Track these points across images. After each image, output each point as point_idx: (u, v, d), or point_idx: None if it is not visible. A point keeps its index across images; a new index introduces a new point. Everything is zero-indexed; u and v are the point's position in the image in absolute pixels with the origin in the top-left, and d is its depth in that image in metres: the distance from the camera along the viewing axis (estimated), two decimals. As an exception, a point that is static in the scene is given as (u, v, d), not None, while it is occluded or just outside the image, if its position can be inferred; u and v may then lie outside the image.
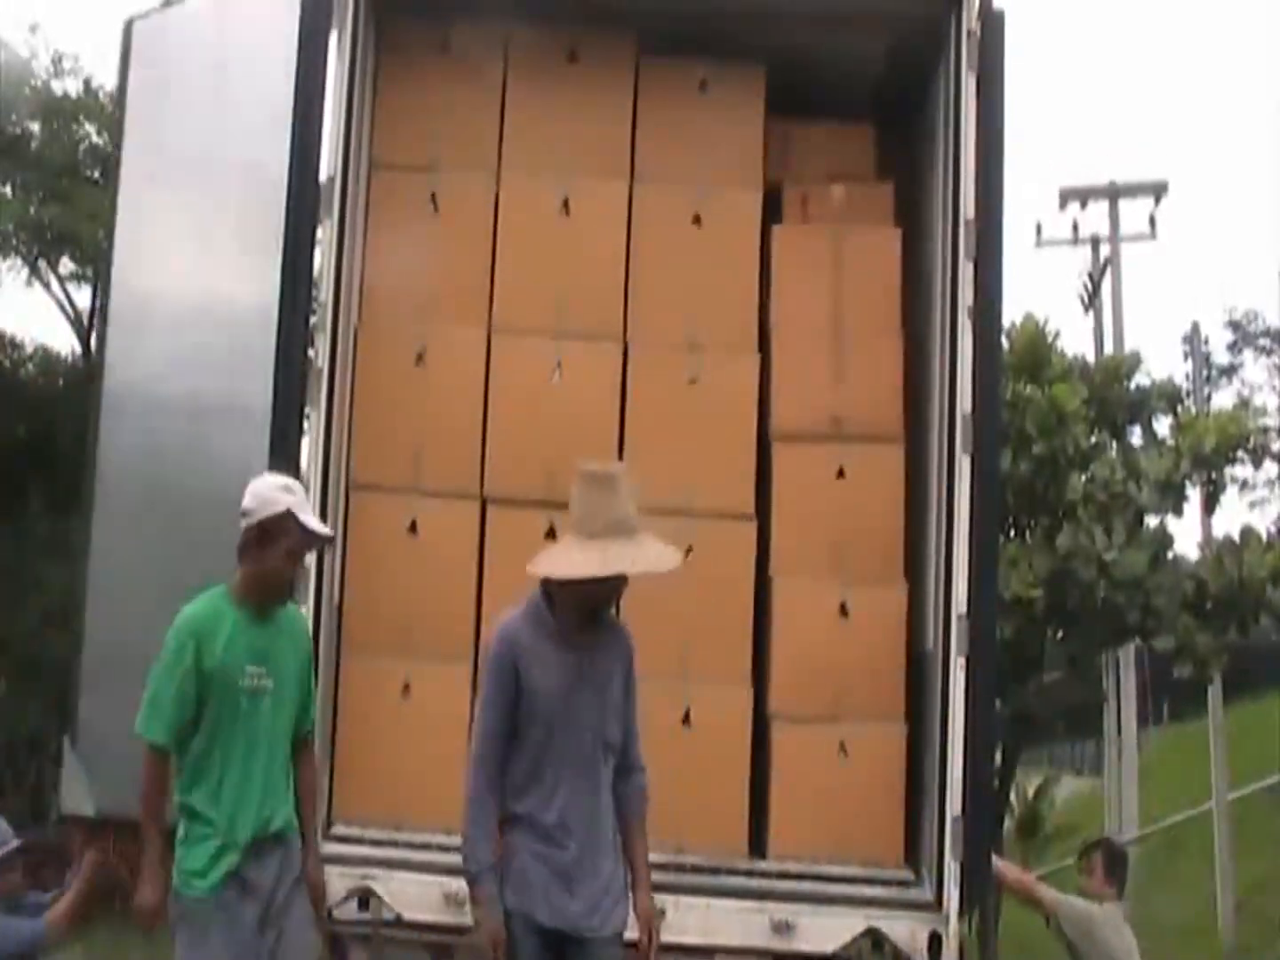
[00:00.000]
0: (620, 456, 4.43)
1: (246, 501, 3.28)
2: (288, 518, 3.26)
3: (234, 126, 4.23)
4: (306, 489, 4.00)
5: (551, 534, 4.36)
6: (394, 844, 4.12)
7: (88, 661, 4.27)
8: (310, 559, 3.98)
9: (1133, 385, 9.15)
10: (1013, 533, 8.45)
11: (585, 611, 3.19)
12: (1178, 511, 8.60)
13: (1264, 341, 37.55)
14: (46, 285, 12.90)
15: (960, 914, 3.91)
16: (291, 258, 4.03)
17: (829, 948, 3.92)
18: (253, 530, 3.26)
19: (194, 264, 4.30)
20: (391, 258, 4.51)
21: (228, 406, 4.15)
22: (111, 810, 4.00)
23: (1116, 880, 4.79)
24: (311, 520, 3.34)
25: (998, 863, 4.96)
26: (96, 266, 9.67)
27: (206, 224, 4.28)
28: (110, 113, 5.12)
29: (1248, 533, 8.74)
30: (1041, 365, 8.52)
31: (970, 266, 4.10)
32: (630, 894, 3.17)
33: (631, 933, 3.18)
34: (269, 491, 3.29)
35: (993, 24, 4.17)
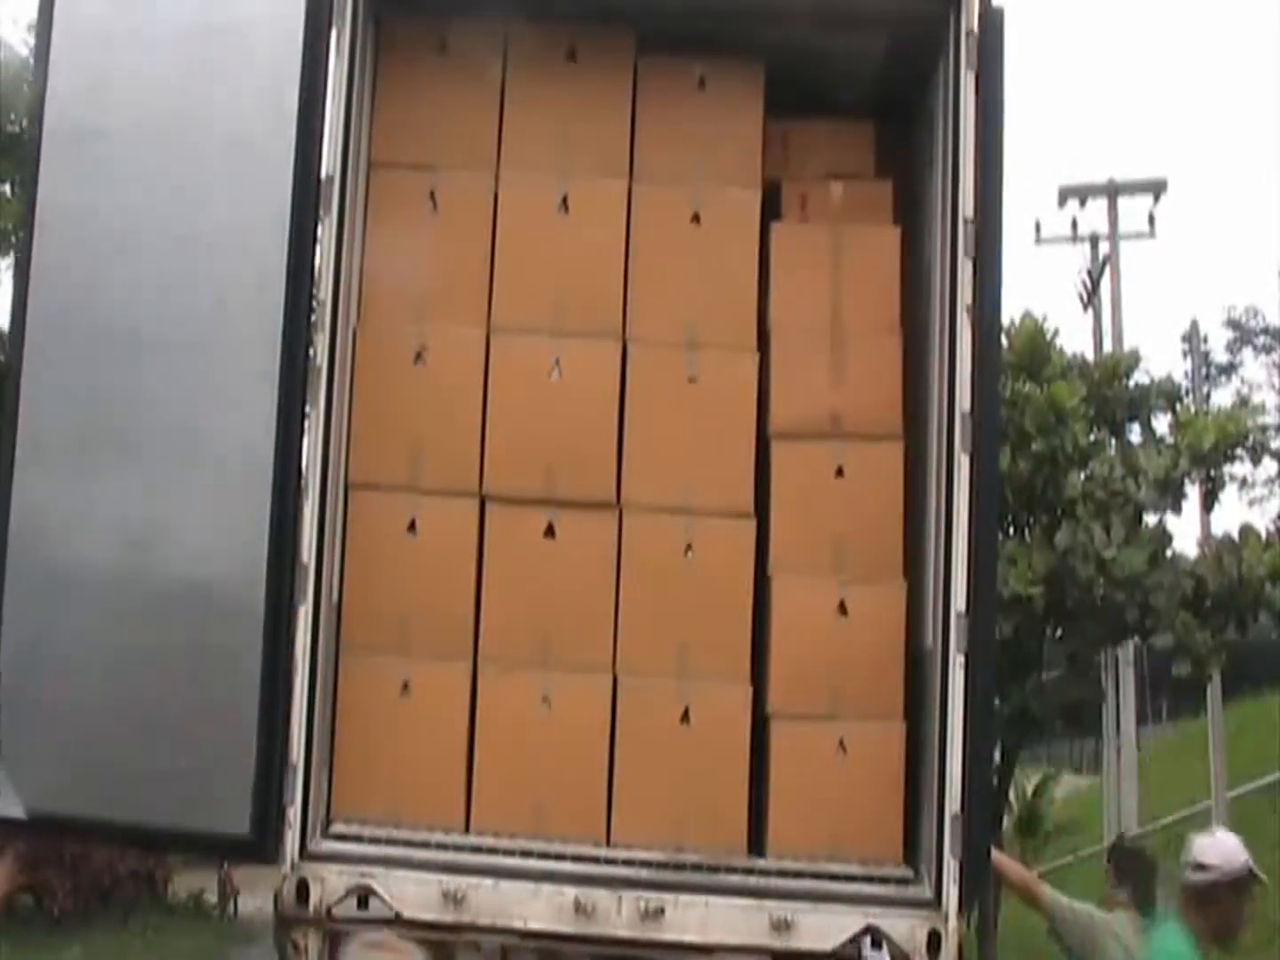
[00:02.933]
0: (619, 455, 4.44)
1: (1214, 859, 3.68)
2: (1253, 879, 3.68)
3: (218, 92, 4.06)
4: (305, 488, 4.02)
5: (550, 532, 4.38)
6: (392, 842, 4.13)
7: (8, 644, 3.92)
8: (309, 558, 3.99)
9: (1132, 383, 9.18)
10: (1011, 530, 8.47)
11: None
12: (1176, 509, 8.63)
13: (1263, 339, 37.62)
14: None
15: (959, 912, 3.92)
16: (295, 258, 4.01)
17: (828, 945, 3.92)
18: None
19: (154, 240, 4.05)
20: (390, 256, 4.51)
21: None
22: (45, 809, 3.87)
23: (1128, 887, 4.64)
24: None
25: (1000, 857, 4.91)
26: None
27: (173, 194, 4.04)
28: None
29: (1246, 531, 8.76)
30: (1040, 363, 8.55)
31: (970, 265, 4.10)
32: None
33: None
34: (1240, 852, 3.70)
35: (993, 22, 4.17)
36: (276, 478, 3.95)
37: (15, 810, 3.84)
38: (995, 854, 4.87)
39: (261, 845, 3.92)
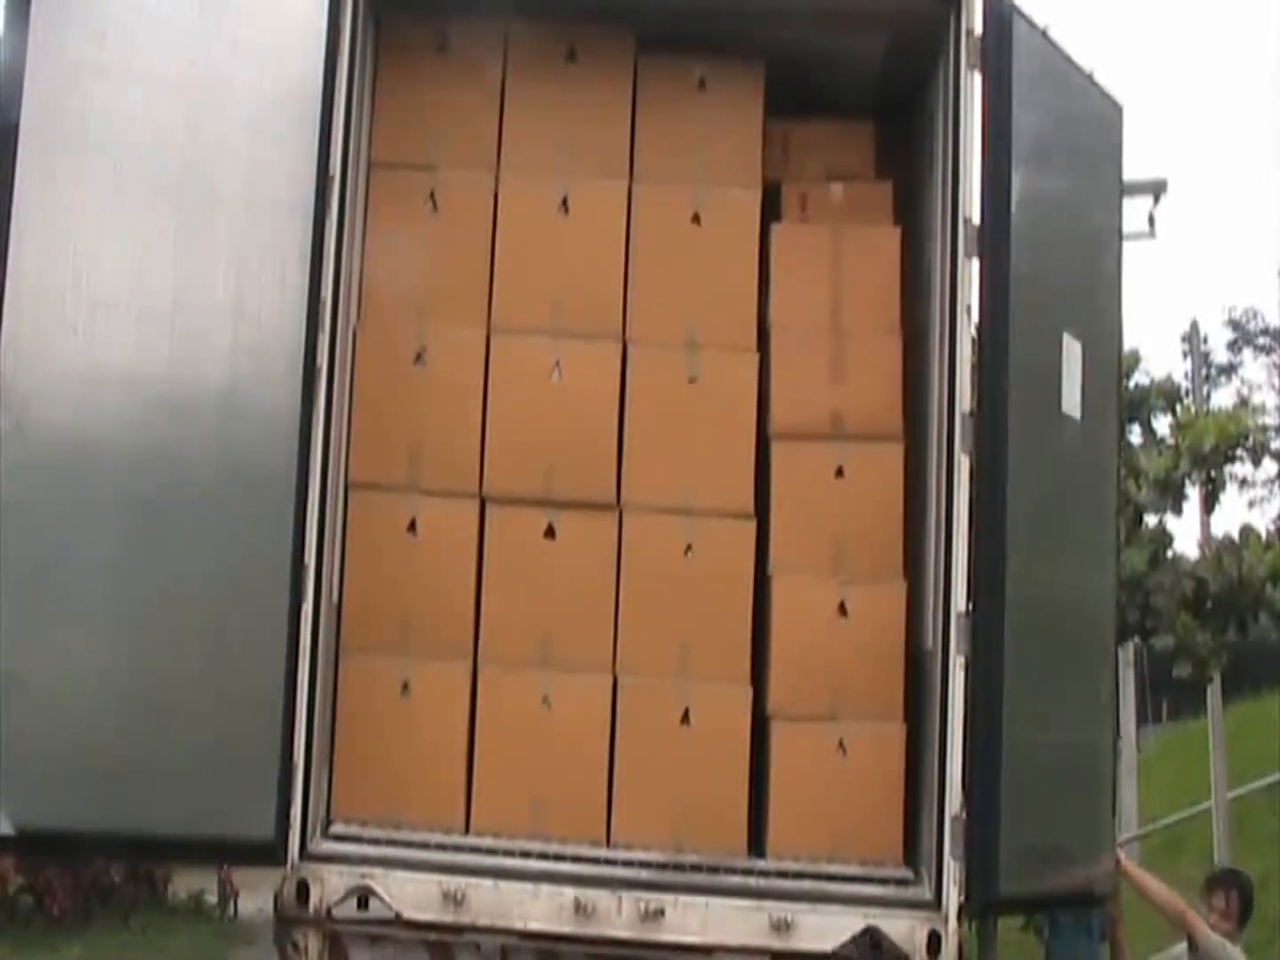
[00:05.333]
0: (619, 456, 4.44)
1: None
2: None
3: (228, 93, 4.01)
4: (306, 488, 4.01)
5: (550, 533, 4.38)
6: (393, 842, 4.13)
7: None
8: (310, 558, 3.98)
9: (1132, 383, 9.16)
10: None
11: None
12: (1177, 510, 8.62)
13: (1263, 340, 37.64)
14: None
15: (970, 916, 3.92)
16: (316, 261, 4.01)
17: (827, 946, 3.92)
18: None
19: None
20: (390, 257, 4.51)
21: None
22: (39, 825, 3.72)
23: (1244, 922, 4.65)
24: None
25: (1145, 878, 4.81)
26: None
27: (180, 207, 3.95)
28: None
29: (1247, 531, 8.75)
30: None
31: (970, 265, 4.10)
32: None
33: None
34: None
35: (1000, 21, 4.16)
36: (299, 475, 3.94)
37: (2, 826, 3.70)
38: (1141, 874, 4.83)
39: (283, 848, 3.89)
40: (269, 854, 3.89)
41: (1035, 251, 4.22)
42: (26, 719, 3.71)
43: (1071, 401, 4.35)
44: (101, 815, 3.77)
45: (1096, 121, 4.70)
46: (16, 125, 3.84)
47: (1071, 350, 4.36)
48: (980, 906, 3.94)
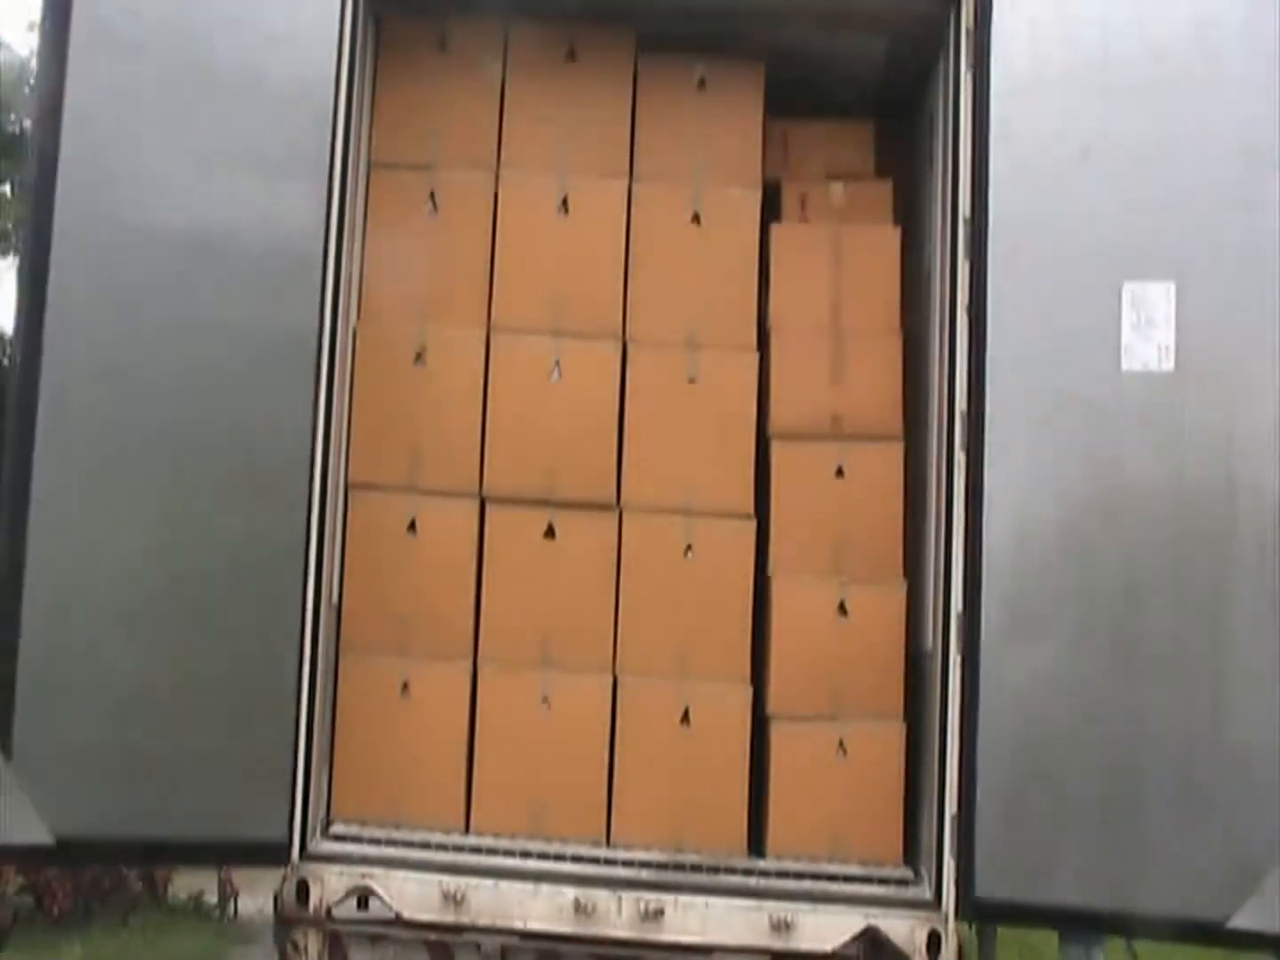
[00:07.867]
0: (619, 456, 4.44)
1: None
2: None
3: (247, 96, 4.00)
4: (308, 488, 4.01)
5: (550, 533, 4.39)
6: (392, 842, 4.14)
7: (28, 656, 3.66)
8: (310, 558, 3.99)
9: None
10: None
11: None
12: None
13: None
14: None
15: (962, 918, 3.91)
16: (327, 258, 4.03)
17: (827, 946, 3.92)
18: None
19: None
20: (390, 256, 4.51)
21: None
22: (75, 833, 3.66)
23: None
24: None
25: None
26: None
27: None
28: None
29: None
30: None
31: (969, 264, 4.10)
32: None
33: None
34: None
35: (984, 11, 4.13)
36: (310, 475, 3.96)
37: (38, 834, 3.61)
38: None
39: (291, 849, 3.91)
40: (281, 855, 3.91)
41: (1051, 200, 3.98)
42: (61, 723, 3.69)
43: (1143, 356, 3.94)
44: (117, 821, 3.76)
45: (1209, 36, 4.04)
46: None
47: (1143, 299, 3.96)
48: (970, 909, 3.92)
